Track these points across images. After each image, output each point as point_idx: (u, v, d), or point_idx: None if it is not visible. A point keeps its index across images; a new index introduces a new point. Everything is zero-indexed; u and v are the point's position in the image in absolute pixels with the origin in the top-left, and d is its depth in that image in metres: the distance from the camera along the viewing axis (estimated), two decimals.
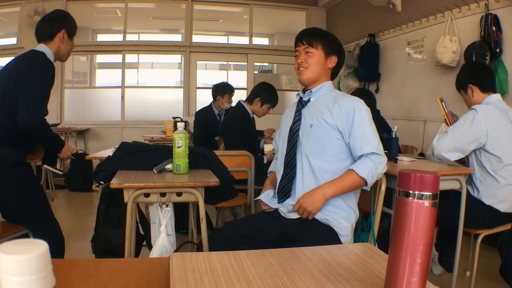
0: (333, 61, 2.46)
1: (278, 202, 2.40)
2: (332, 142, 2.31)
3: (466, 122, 3.07)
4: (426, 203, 0.92)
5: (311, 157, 2.32)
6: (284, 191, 2.38)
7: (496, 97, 3.25)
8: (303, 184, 2.33)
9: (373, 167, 2.20)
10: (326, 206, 2.25)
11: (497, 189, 3.07)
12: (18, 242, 0.62)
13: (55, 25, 3.05)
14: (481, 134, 3.03)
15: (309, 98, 2.47)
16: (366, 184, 2.22)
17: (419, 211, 0.92)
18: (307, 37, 2.43)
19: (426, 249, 0.95)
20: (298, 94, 2.57)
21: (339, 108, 2.31)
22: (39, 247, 0.61)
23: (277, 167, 2.56)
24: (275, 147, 2.78)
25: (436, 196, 0.93)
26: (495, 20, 4.55)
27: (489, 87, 3.29)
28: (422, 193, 0.91)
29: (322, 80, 2.46)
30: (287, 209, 2.35)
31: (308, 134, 2.36)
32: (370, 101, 4.75)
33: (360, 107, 2.31)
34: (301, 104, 2.49)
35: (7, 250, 0.59)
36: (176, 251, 2.06)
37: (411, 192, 0.91)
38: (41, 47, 2.98)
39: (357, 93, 4.88)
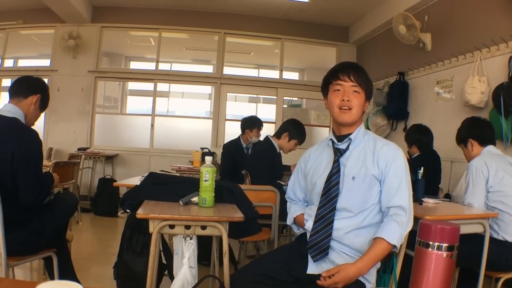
0: (366, 106, 2.33)
1: (314, 261, 2.23)
2: (374, 194, 2.21)
3: (473, 179, 3.29)
4: (445, 254, 0.93)
5: (352, 212, 2.20)
6: (320, 248, 2.20)
7: (490, 147, 3.50)
8: (342, 243, 2.21)
9: (400, 229, 2.09)
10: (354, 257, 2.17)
11: (510, 220, 3.15)
12: (55, 283, 0.64)
13: (34, 87, 3.01)
14: (485, 179, 3.24)
15: (348, 146, 2.31)
16: (395, 247, 2.10)
17: (438, 262, 0.94)
18: (358, 74, 2.25)
19: None
20: (330, 139, 2.37)
21: (379, 157, 2.22)
22: None
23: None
24: (292, 196, 2.61)
25: (455, 248, 0.94)
26: None
27: (488, 141, 3.53)
28: (441, 244, 0.93)
29: (358, 123, 2.33)
30: (318, 270, 2.21)
31: (350, 187, 2.20)
32: (428, 138, 4.73)
33: (399, 156, 2.23)
34: (339, 152, 2.31)
35: None
36: (197, 284, 2.08)
37: (430, 243, 0.93)
38: (12, 108, 2.87)
39: (414, 129, 4.84)
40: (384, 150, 2.24)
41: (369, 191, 2.20)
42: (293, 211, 2.53)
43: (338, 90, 2.28)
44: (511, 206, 3.15)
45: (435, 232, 0.94)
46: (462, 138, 3.63)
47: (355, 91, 2.25)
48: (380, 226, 2.15)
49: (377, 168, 2.20)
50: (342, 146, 2.33)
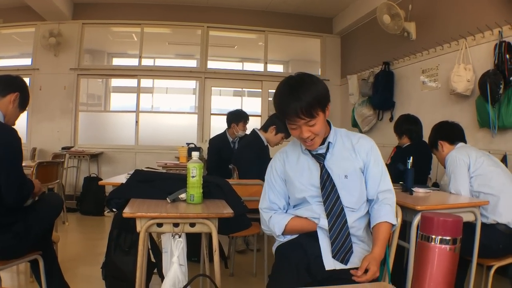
0: (328, 109, 2.23)
1: (345, 263, 2.18)
2: (363, 186, 2.29)
3: (454, 168, 3.39)
4: (448, 248, 0.90)
5: (354, 209, 2.25)
6: (345, 250, 2.19)
7: (460, 143, 3.63)
8: (353, 235, 2.25)
9: (393, 210, 2.25)
10: (363, 248, 2.26)
11: (497, 202, 3.19)
12: None
13: (12, 85, 2.96)
14: (467, 166, 3.35)
15: (327, 150, 2.30)
16: (395, 226, 2.26)
17: (441, 256, 0.90)
18: (304, 106, 2.09)
19: None
20: (306, 149, 2.33)
21: (359, 150, 2.31)
22: None
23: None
24: (274, 207, 2.43)
25: (458, 241, 0.91)
26: (509, 47, 4.53)
27: (457, 139, 3.66)
28: (444, 237, 0.89)
29: (328, 128, 2.32)
30: (337, 265, 2.20)
31: (346, 186, 2.24)
32: (418, 127, 4.71)
33: (374, 145, 2.36)
34: (322, 156, 2.28)
35: None
36: (188, 284, 2.04)
37: (433, 236, 0.89)
38: None
39: (402, 119, 4.80)
40: (361, 143, 2.34)
41: (362, 184, 2.28)
42: (280, 219, 2.35)
43: (294, 128, 2.21)
44: (494, 187, 3.22)
45: (437, 225, 0.91)
46: (432, 142, 3.78)
47: (311, 125, 2.16)
48: (376, 211, 2.25)
49: (361, 160, 2.30)
50: (321, 151, 2.31)
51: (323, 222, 2.23)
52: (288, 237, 2.37)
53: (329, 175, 2.24)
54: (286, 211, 2.43)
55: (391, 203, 2.26)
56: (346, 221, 2.20)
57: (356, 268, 2.01)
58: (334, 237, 2.19)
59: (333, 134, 2.33)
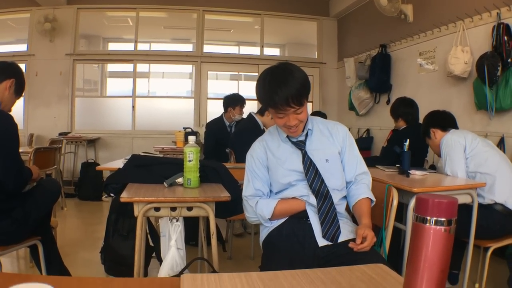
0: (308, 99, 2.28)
1: (333, 241, 2.20)
2: (342, 170, 2.40)
3: (450, 150, 3.42)
4: (443, 229, 0.90)
5: (337, 190, 2.33)
6: (333, 230, 2.21)
7: (453, 130, 3.62)
8: (342, 217, 2.33)
9: (369, 188, 2.41)
10: (347, 223, 2.33)
11: (494, 181, 3.21)
12: (26, 286, 0.61)
13: (7, 71, 2.94)
14: (463, 148, 3.38)
15: (306, 136, 2.36)
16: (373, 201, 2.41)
17: (436, 237, 0.91)
18: (296, 98, 2.12)
19: (442, 275, 0.93)
20: (286, 136, 2.35)
21: (336, 135, 2.42)
22: None
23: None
24: (259, 194, 2.38)
25: (453, 222, 0.91)
26: (507, 29, 4.51)
27: (449, 125, 3.66)
28: (439, 219, 0.90)
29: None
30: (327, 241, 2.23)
31: (328, 169, 2.30)
32: (414, 110, 4.71)
33: (348, 132, 2.50)
34: (302, 143, 2.33)
35: None
36: (186, 267, 2.05)
37: (428, 218, 0.90)
38: None
39: (398, 102, 4.79)
40: (336, 129, 2.45)
41: (341, 167, 2.39)
42: (268, 202, 2.33)
43: (281, 117, 2.21)
44: (491, 166, 3.25)
45: (432, 207, 0.91)
46: (425, 131, 3.76)
47: (298, 113, 2.19)
48: (355, 190, 2.39)
49: (338, 145, 2.41)
50: (301, 138, 2.35)
51: (312, 200, 2.26)
52: (275, 224, 2.35)
53: (311, 161, 2.29)
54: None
55: (367, 183, 2.41)
56: (332, 203, 2.26)
57: (350, 241, 2.12)
58: (323, 217, 2.23)
59: (310, 122, 2.39)
